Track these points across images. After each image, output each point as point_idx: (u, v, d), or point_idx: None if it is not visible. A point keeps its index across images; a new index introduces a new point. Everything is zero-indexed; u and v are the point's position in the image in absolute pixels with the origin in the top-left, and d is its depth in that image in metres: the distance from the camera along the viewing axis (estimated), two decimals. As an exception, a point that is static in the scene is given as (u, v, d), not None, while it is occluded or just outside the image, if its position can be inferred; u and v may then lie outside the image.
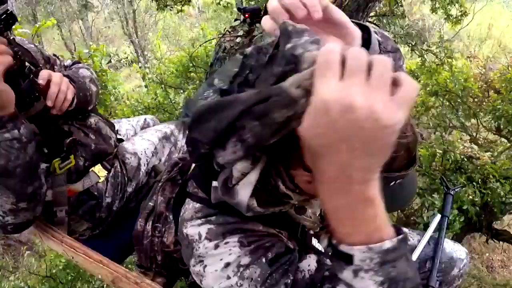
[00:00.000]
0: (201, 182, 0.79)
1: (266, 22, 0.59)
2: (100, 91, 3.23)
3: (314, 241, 0.84)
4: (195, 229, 0.72)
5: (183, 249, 0.76)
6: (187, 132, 0.59)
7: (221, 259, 0.68)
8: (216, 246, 0.69)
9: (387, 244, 0.50)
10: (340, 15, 0.59)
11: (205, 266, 0.71)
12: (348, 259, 0.51)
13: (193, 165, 0.90)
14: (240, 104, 0.49)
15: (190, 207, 0.78)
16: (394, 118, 0.40)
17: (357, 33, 0.63)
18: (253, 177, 0.60)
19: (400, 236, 0.51)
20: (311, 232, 0.86)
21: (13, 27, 1.09)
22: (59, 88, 1.10)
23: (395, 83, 0.42)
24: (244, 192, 0.61)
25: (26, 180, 1.03)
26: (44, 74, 1.09)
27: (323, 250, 0.85)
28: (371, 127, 0.40)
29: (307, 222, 0.83)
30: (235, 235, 0.69)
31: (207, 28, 5.77)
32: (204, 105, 0.55)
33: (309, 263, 0.69)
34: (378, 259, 0.50)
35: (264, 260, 0.67)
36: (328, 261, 0.71)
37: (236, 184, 0.61)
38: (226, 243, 0.69)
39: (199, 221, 0.72)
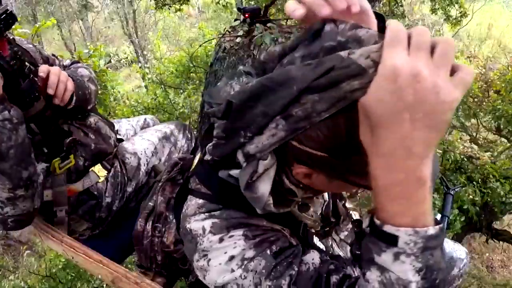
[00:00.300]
0: (204, 178, 0.79)
1: (295, 8, 0.55)
2: (99, 91, 3.24)
3: (316, 239, 0.84)
4: (198, 224, 0.71)
5: (186, 244, 0.75)
6: (220, 122, 0.58)
7: (225, 252, 0.68)
8: (221, 240, 0.68)
9: (431, 230, 0.49)
10: (365, 2, 0.58)
11: (209, 260, 0.69)
12: (392, 240, 0.50)
13: (195, 163, 0.90)
14: (296, 82, 0.49)
15: (192, 203, 0.77)
16: (453, 95, 0.42)
17: (375, 21, 0.61)
18: (272, 172, 0.60)
19: (441, 225, 0.51)
20: (313, 230, 0.86)
21: (13, 27, 1.08)
22: (59, 78, 1.10)
23: (453, 69, 0.44)
24: (264, 187, 0.61)
25: (20, 164, 1.02)
26: (43, 67, 1.09)
27: (324, 249, 0.85)
28: (433, 100, 0.42)
29: (308, 221, 0.83)
30: (240, 228, 0.69)
31: (205, 27, 5.77)
32: (243, 91, 0.54)
33: (313, 257, 0.68)
34: (422, 244, 0.49)
35: (268, 252, 0.66)
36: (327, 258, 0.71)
37: (257, 179, 0.61)
38: (230, 236, 0.68)
39: (202, 216, 0.72)
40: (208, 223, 0.70)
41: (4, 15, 0.99)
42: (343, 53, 0.48)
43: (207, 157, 0.78)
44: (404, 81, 0.42)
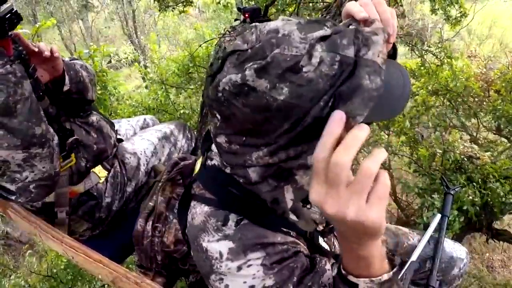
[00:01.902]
0: (208, 183, 0.79)
1: (361, 10, 0.65)
2: (100, 91, 3.24)
3: (321, 240, 0.85)
4: (214, 245, 0.71)
5: (199, 260, 0.76)
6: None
7: (244, 282, 0.69)
8: (239, 268, 0.69)
9: (385, 277, 0.65)
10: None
11: (227, 285, 0.71)
12: (354, 286, 0.66)
13: (197, 167, 0.89)
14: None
15: (198, 211, 0.77)
16: (373, 221, 0.51)
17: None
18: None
19: (394, 269, 0.67)
20: (320, 228, 0.87)
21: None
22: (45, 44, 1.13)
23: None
24: (290, 196, 0.68)
25: (30, 119, 1.00)
26: (42, 46, 1.11)
27: (328, 248, 0.86)
28: (362, 230, 0.54)
29: (316, 215, 0.85)
30: (257, 251, 0.70)
31: (200, 28, 5.76)
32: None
33: (329, 277, 0.74)
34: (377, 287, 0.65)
35: (290, 284, 0.69)
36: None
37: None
38: (249, 265, 0.69)
39: (217, 236, 0.72)
40: (224, 247, 0.70)
41: (9, 14, 0.99)
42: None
43: (210, 162, 0.78)
44: (339, 224, 0.55)
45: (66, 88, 1.18)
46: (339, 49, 0.56)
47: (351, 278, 0.66)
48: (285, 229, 0.75)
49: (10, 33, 1.00)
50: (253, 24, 0.64)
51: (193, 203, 0.81)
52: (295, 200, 0.67)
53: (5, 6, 0.98)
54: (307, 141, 0.61)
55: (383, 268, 0.65)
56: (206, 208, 0.76)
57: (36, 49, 1.10)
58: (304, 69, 0.55)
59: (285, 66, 0.55)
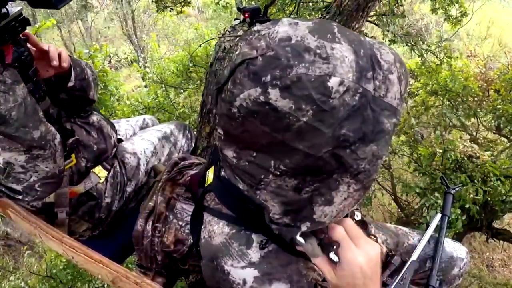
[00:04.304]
0: (224, 197, 0.78)
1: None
2: (100, 91, 3.24)
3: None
4: (238, 272, 0.72)
5: (216, 278, 0.76)
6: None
7: None
8: None
9: None
10: None
11: None
12: None
13: (209, 176, 0.87)
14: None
15: (217, 230, 0.77)
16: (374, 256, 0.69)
17: None
18: None
19: None
20: None
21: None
22: (57, 50, 1.13)
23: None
24: None
25: (27, 124, 0.99)
26: (52, 51, 1.11)
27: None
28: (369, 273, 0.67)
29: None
30: (281, 283, 0.71)
31: (200, 27, 5.76)
32: None
33: None
34: None
35: None
36: None
37: None
38: None
39: (242, 263, 0.72)
40: (249, 276, 0.71)
41: (13, 22, 0.96)
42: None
43: (224, 173, 0.77)
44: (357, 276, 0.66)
45: (70, 84, 1.19)
46: (362, 82, 0.57)
47: None
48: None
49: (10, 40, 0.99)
50: (255, 29, 0.63)
51: (208, 217, 0.80)
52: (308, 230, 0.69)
53: (16, 9, 0.95)
54: (320, 175, 0.62)
55: None
56: (226, 229, 0.75)
57: (46, 48, 1.10)
58: (332, 95, 0.56)
59: (311, 87, 0.55)
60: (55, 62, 1.11)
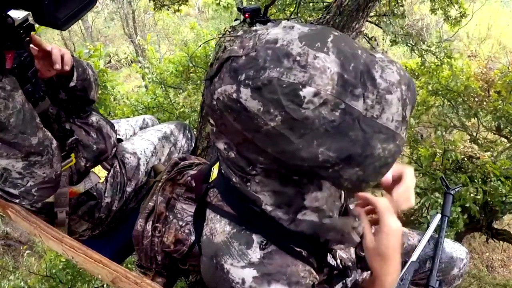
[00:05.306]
0: (226, 194, 0.78)
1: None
2: (100, 91, 3.23)
3: (329, 257, 0.85)
4: (238, 271, 0.72)
5: (215, 277, 0.76)
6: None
7: None
8: None
9: None
10: None
11: None
12: None
13: (214, 172, 0.88)
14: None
15: (218, 228, 0.77)
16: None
17: None
18: None
19: None
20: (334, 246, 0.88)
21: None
22: (60, 51, 1.11)
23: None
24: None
25: (25, 131, 1.00)
26: (55, 53, 1.09)
27: (335, 265, 0.87)
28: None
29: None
30: (280, 283, 0.71)
31: (197, 27, 5.76)
32: None
33: None
34: None
35: None
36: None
37: None
38: None
39: (242, 263, 0.72)
40: (248, 276, 0.71)
41: (26, 23, 0.94)
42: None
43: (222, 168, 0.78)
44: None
45: (72, 84, 1.19)
46: (346, 97, 0.54)
47: None
48: (298, 249, 0.76)
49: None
50: (256, 28, 0.64)
51: (210, 214, 0.80)
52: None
53: (22, 14, 0.93)
54: (299, 175, 0.63)
55: None
56: (227, 228, 0.76)
57: (49, 49, 1.08)
58: (304, 106, 0.53)
59: (281, 92, 0.54)
60: (58, 66, 1.09)
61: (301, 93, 0.53)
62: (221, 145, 0.69)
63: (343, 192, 0.80)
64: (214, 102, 0.61)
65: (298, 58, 0.54)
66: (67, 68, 1.13)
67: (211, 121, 0.67)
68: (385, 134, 0.56)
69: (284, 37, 0.57)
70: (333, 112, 0.54)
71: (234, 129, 0.61)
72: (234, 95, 0.57)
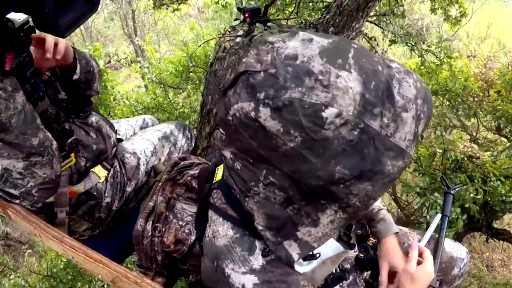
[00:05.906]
0: (230, 198, 0.78)
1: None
2: (99, 91, 3.23)
3: None
4: (238, 277, 0.72)
5: (215, 279, 0.76)
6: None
7: None
8: None
9: None
10: None
11: None
12: None
13: (218, 173, 0.88)
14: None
15: (221, 232, 0.77)
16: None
17: None
18: None
19: None
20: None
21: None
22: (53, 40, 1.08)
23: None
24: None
25: (25, 132, 1.00)
26: (49, 41, 1.07)
27: (333, 271, 0.89)
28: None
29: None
30: None
31: (195, 26, 5.76)
32: None
33: None
34: None
35: None
36: None
37: None
38: None
39: (243, 269, 0.73)
40: (249, 282, 0.72)
41: (27, 26, 0.94)
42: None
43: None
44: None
45: (75, 77, 1.18)
46: (366, 117, 0.54)
47: None
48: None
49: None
50: (269, 40, 0.61)
51: (213, 215, 0.80)
52: (301, 255, 0.70)
53: (23, 16, 0.93)
54: (307, 197, 0.62)
55: None
56: (230, 232, 0.76)
57: (42, 36, 1.06)
58: (326, 126, 0.53)
59: (303, 114, 0.53)
60: (49, 55, 1.07)
61: (323, 114, 0.52)
62: (227, 154, 0.68)
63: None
64: (230, 118, 0.60)
65: (320, 77, 0.53)
66: (58, 57, 1.10)
67: (223, 131, 0.67)
68: (395, 152, 0.56)
69: (303, 52, 0.55)
70: (352, 131, 0.54)
71: (249, 146, 0.60)
72: (252, 114, 0.56)
